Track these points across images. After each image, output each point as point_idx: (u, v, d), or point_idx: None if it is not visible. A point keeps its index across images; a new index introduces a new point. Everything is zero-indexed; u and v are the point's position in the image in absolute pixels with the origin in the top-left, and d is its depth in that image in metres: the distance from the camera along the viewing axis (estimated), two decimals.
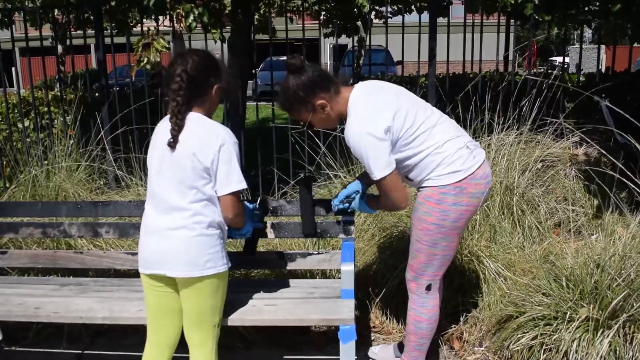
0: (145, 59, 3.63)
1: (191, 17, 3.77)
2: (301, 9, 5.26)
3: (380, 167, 2.33)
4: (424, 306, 2.63)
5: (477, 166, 2.41)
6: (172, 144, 2.19)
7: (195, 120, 2.23)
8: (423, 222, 2.46)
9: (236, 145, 2.23)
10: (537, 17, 4.29)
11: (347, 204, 2.72)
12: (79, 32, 5.37)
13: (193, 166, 2.17)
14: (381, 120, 2.34)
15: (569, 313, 2.64)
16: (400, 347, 2.84)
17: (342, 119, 2.51)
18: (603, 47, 5.49)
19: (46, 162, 4.28)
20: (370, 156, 2.33)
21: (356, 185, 2.69)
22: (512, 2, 4.37)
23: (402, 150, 2.39)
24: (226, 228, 2.33)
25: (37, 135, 4.91)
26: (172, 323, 2.36)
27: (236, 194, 2.24)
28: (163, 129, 2.26)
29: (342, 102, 2.45)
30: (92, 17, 4.85)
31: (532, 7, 4.26)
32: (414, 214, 2.51)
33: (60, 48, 8.87)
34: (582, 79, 5.73)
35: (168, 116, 2.28)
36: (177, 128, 2.18)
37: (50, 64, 5.47)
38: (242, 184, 2.22)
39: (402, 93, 2.51)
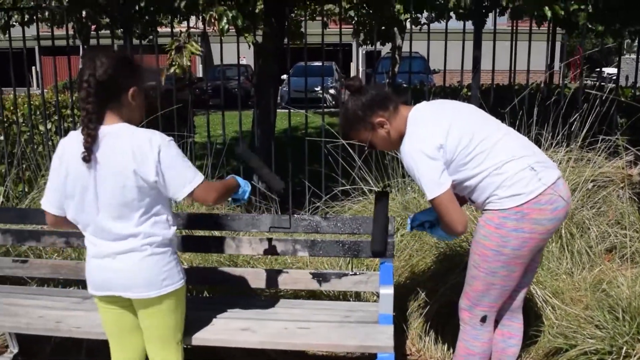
0: (177, 63, 3.64)
1: (224, 20, 3.79)
2: (337, 14, 5.26)
3: (431, 186, 2.31)
4: (476, 338, 2.55)
5: (542, 190, 2.31)
6: (87, 158, 2.02)
7: (116, 132, 2.08)
8: (481, 247, 2.41)
9: (172, 143, 2.10)
10: (590, 27, 4.23)
11: (422, 227, 2.70)
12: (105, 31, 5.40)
13: (138, 185, 2.06)
14: (434, 138, 2.32)
15: (624, 348, 2.57)
16: None
17: None
18: None
19: None
20: (421, 175, 2.32)
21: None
22: (563, 10, 4.30)
23: (460, 171, 2.36)
24: (176, 240, 2.27)
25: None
26: (135, 339, 2.36)
27: (200, 186, 2.15)
28: (73, 144, 2.09)
29: (401, 121, 2.45)
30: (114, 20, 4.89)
31: (586, 16, 4.19)
32: (474, 237, 2.47)
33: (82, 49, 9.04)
34: (638, 93, 5.61)
35: (77, 131, 2.11)
36: (89, 140, 2.01)
37: (74, 64, 5.54)
38: (198, 178, 2.13)
39: (461, 110, 2.48)
